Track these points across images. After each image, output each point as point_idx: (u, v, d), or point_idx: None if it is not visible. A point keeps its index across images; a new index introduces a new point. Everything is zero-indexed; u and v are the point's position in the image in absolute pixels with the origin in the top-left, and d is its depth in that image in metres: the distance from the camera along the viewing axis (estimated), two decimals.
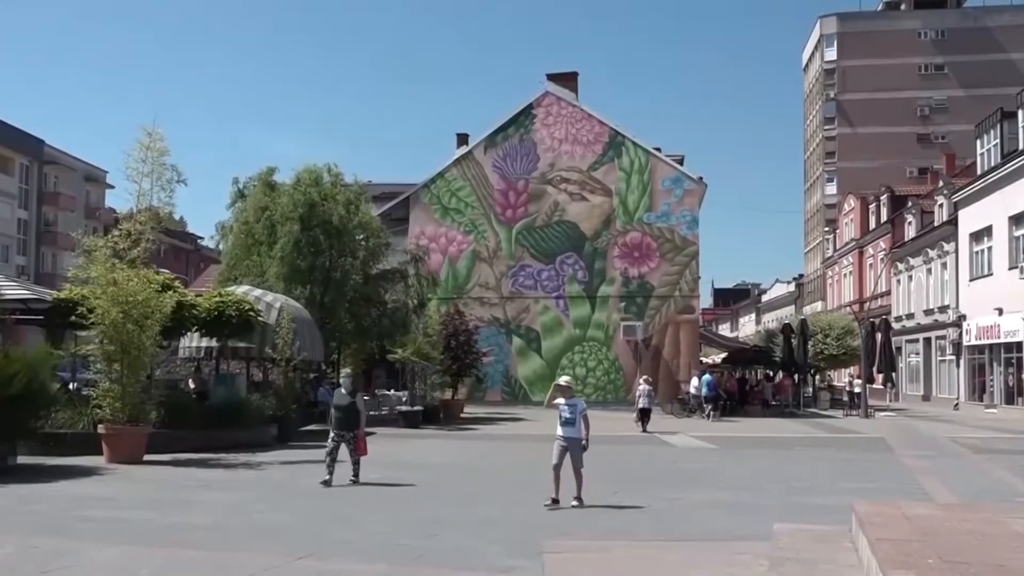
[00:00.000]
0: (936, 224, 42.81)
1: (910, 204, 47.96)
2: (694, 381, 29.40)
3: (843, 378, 47.97)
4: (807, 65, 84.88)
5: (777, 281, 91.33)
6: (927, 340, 44.06)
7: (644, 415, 24.88)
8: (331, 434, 12.74)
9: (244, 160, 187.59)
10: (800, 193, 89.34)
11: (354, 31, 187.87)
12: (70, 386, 20.55)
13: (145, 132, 15.86)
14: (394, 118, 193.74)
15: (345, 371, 15.71)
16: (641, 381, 26.65)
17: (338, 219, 26.75)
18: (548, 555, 7.91)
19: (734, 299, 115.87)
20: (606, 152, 37.14)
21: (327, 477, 12.25)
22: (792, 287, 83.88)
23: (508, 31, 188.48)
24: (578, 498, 10.92)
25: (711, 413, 29.44)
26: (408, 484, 12.91)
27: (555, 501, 10.76)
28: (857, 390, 34.91)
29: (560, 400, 11.41)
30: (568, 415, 11.30)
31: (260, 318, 20.68)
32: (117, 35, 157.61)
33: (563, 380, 11.90)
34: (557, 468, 10.93)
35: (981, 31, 72.90)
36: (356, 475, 12.73)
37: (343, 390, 13.19)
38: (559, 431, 11.25)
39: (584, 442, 11.12)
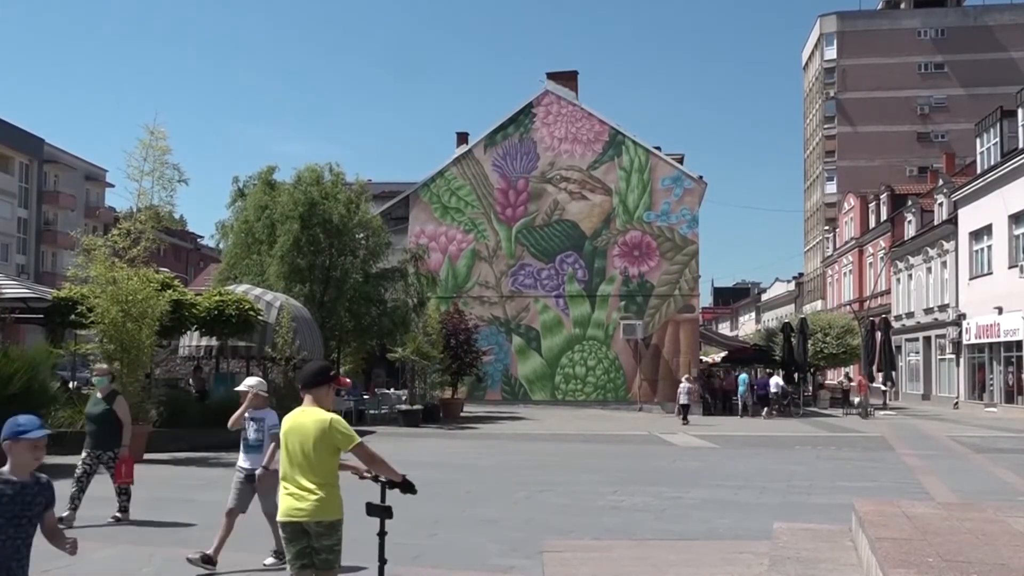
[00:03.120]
0: (936, 223, 42.80)
1: (910, 203, 47.95)
2: (683, 386, 28.97)
3: (839, 377, 48.03)
4: (807, 64, 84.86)
5: (777, 280, 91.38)
6: (927, 339, 44.06)
7: (685, 410, 28.12)
8: (83, 453, 9.63)
9: (244, 159, 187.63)
10: (800, 192, 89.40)
11: (354, 31, 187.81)
12: (70, 385, 20.56)
13: (148, 131, 15.82)
14: (394, 117, 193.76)
15: (99, 366, 11.17)
16: (683, 379, 29.84)
17: (338, 218, 26.77)
18: (548, 554, 7.90)
19: (734, 298, 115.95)
20: (606, 151, 37.12)
21: (66, 513, 8.83)
22: (792, 286, 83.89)
23: (508, 30, 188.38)
24: (277, 552, 7.30)
25: (765, 411, 31.57)
26: None
27: (208, 560, 7.29)
28: (854, 387, 35.07)
29: (248, 414, 7.96)
30: (254, 435, 7.73)
31: (260, 317, 20.68)
32: (117, 35, 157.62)
33: (251, 382, 8.14)
34: (232, 513, 7.57)
35: (981, 30, 72.88)
36: (123, 510, 9.46)
37: (98, 393, 9.88)
38: (241, 460, 7.80)
39: (264, 467, 7.61)
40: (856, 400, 31.80)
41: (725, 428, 26.64)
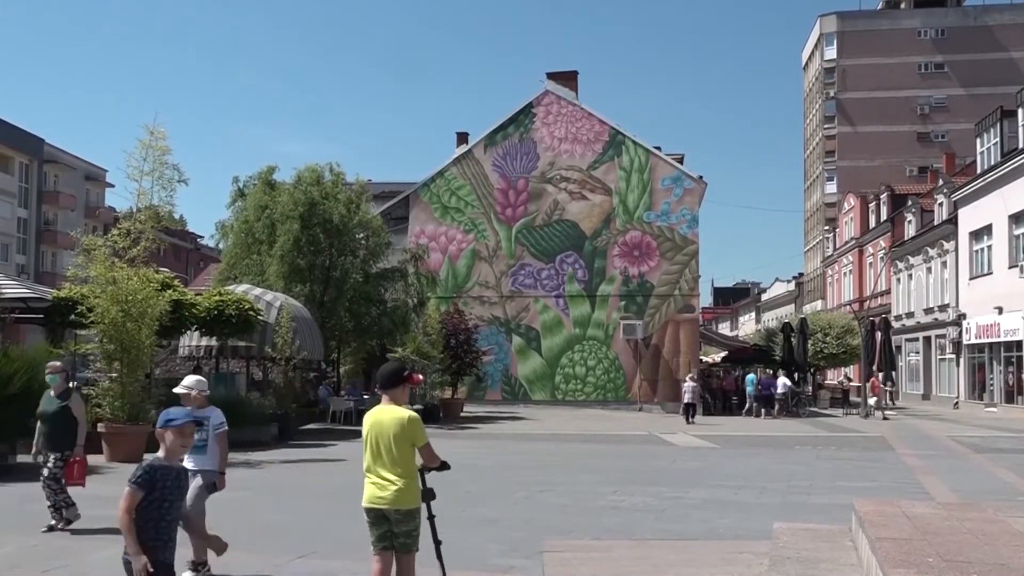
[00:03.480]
0: (936, 223, 42.80)
1: (910, 203, 47.95)
2: (687, 385, 29.33)
3: (839, 377, 48.03)
4: (807, 64, 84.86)
5: (777, 280, 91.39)
6: (927, 339, 44.07)
7: (689, 409, 28.45)
8: (35, 456, 9.33)
9: (244, 159, 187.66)
10: (800, 192, 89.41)
11: (354, 30, 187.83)
12: (70, 385, 20.53)
13: (148, 131, 15.81)
14: (394, 117, 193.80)
15: (52, 363, 10.04)
16: (687, 379, 30.10)
17: (338, 218, 26.76)
18: (548, 554, 7.90)
19: (734, 298, 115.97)
20: (606, 151, 37.12)
21: (52, 523, 8.82)
22: (792, 286, 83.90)
23: (508, 30, 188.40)
24: (198, 564, 6.94)
25: (765, 411, 31.72)
26: None
27: (197, 566, 6.93)
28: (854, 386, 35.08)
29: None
30: (197, 436, 6.53)
31: (260, 317, 20.67)
32: (117, 35, 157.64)
33: (189, 382, 7.39)
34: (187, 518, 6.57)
35: (981, 30, 72.89)
36: (66, 518, 8.83)
37: (51, 391, 9.31)
38: (185, 462, 6.59)
39: (219, 474, 7.24)
40: (872, 401, 31.61)
41: (727, 428, 26.65)
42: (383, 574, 5.34)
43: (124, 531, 4.24)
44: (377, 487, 5.27)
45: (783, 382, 33.25)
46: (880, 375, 34.80)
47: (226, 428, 7.41)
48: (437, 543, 5.55)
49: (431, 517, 5.52)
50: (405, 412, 5.31)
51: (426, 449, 5.39)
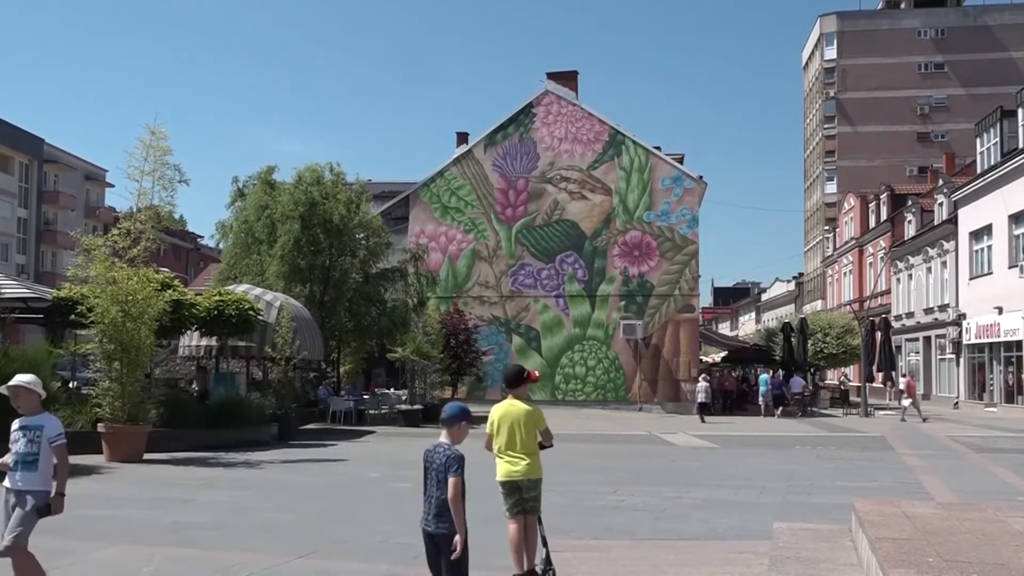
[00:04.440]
0: (936, 223, 42.80)
1: (910, 203, 47.95)
2: (701, 385, 29.97)
3: (839, 377, 48.02)
4: (807, 64, 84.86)
5: (777, 280, 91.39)
6: (927, 339, 44.06)
7: (704, 409, 29.13)
8: None
9: (244, 159, 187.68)
10: (800, 192, 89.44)
11: (355, 30, 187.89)
12: (70, 385, 20.56)
13: (148, 131, 15.80)
14: (394, 117, 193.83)
15: None
16: (700, 379, 30.90)
17: (338, 218, 26.76)
18: None
19: (734, 298, 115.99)
20: (606, 151, 37.11)
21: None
22: (792, 286, 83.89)
23: (508, 30, 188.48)
24: None
25: (777, 410, 31.92)
26: (408, 483, 12.90)
27: None
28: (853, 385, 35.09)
29: (16, 423, 5.90)
30: (25, 447, 5.75)
31: (260, 317, 20.67)
32: (117, 34, 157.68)
33: (25, 378, 5.98)
34: (10, 550, 5.66)
35: (981, 30, 72.90)
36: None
37: None
38: (9, 479, 5.81)
39: (56, 496, 5.82)
40: (908, 402, 30.94)
41: (737, 427, 26.68)
42: (518, 533, 6.67)
43: None
44: (510, 464, 6.61)
45: (799, 381, 33.44)
46: (878, 375, 34.80)
47: (64, 440, 5.86)
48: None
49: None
50: (529, 406, 6.68)
51: (546, 432, 6.74)
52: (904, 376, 33.38)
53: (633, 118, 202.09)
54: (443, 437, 5.44)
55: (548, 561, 6.64)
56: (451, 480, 5.17)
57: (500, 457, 6.69)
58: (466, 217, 37.45)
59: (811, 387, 39.56)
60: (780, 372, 39.32)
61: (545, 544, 6.75)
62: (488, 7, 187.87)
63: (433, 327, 28.67)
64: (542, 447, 6.84)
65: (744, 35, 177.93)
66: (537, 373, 7.88)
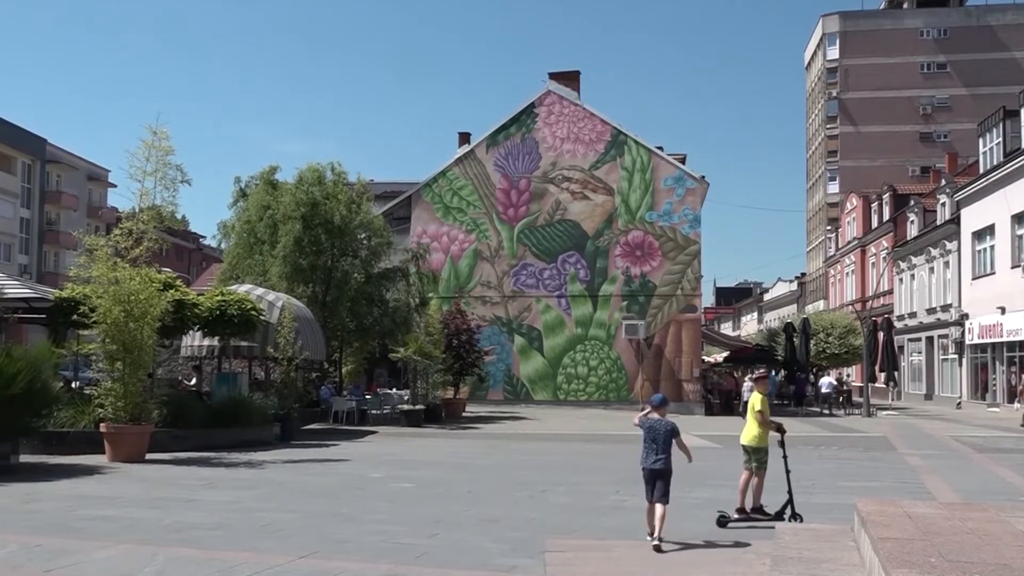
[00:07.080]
0: (938, 223, 42.77)
1: (912, 203, 47.92)
2: (748, 385, 30.68)
3: (839, 376, 47.92)
4: (809, 64, 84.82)
5: (779, 280, 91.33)
6: (929, 339, 44.03)
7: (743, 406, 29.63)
8: None
9: (246, 159, 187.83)
10: (802, 192, 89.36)
11: (356, 30, 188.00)
12: (72, 385, 20.57)
13: (150, 131, 15.81)
14: (396, 117, 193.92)
15: None
16: (746, 379, 30.82)
17: (340, 218, 26.76)
18: (550, 554, 7.91)
19: (736, 298, 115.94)
20: (608, 151, 37.10)
21: None
22: (794, 286, 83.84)
23: (510, 30, 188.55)
24: None
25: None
26: (410, 483, 12.91)
27: None
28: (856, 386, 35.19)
29: None
30: None
31: (262, 317, 20.67)
32: (119, 35, 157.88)
33: None
34: None
35: (983, 30, 72.85)
36: None
37: None
38: None
39: None
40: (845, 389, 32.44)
41: (735, 428, 26.55)
42: (747, 481, 10.10)
43: None
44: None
45: (828, 381, 33.64)
46: (880, 375, 34.85)
47: None
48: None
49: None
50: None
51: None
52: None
53: (635, 118, 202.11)
54: (653, 414, 8.93)
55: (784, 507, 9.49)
56: (679, 437, 8.78)
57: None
58: (468, 217, 37.46)
59: (843, 387, 39.62)
60: (782, 372, 39.29)
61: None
62: (490, 7, 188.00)
63: (435, 327, 28.66)
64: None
65: (747, 35, 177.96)
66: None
